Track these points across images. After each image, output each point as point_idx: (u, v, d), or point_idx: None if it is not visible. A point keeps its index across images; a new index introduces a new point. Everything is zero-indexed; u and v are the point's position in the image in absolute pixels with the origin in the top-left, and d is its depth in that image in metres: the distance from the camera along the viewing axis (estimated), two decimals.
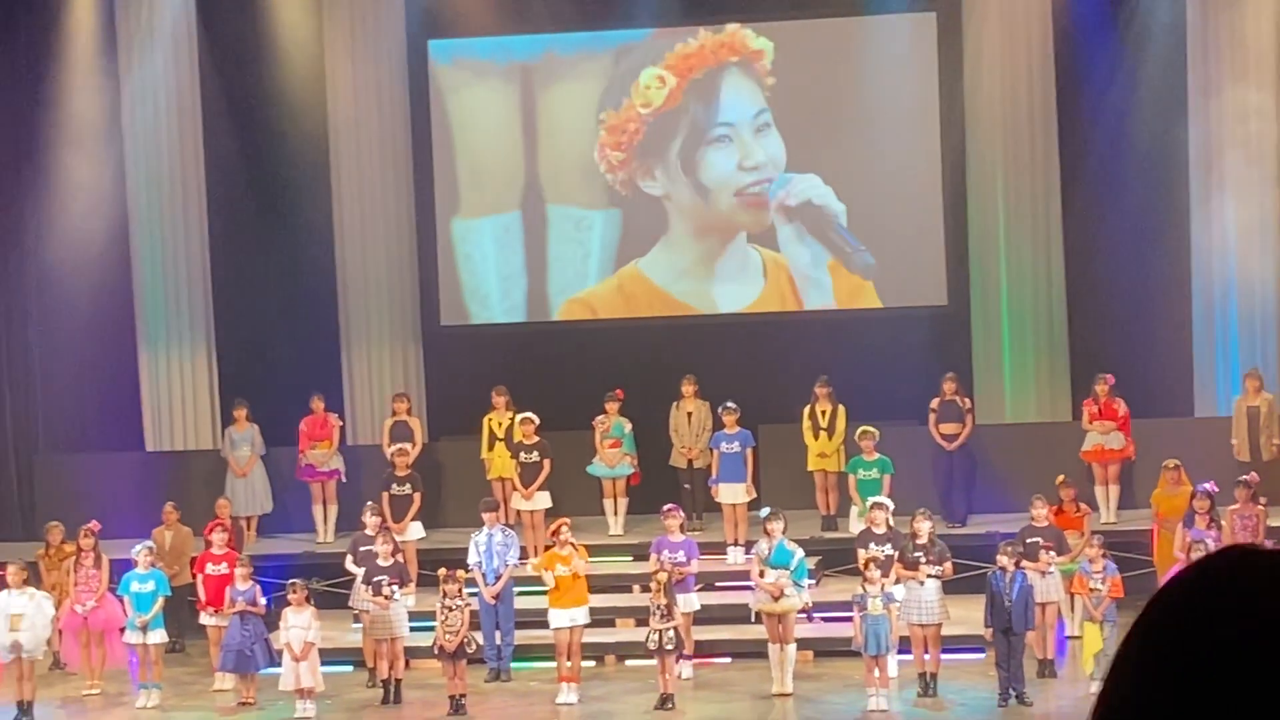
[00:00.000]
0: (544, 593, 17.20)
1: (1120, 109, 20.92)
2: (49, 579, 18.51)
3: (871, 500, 17.82)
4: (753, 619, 17.38)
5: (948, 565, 16.79)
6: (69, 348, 22.20)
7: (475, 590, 17.47)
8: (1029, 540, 16.97)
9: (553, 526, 17.44)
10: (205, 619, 17.89)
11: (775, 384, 20.90)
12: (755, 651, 17.36)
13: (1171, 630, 1.61)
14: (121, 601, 17.46)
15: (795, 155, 21.71)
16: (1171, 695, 1.58)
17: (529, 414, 19.73)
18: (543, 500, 19.56)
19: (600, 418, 20.20)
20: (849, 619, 16.70)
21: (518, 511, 19.68)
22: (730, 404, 19.54)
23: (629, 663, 17.92)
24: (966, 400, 20.10)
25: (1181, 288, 20.88)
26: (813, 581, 18.00)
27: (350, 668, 17.99)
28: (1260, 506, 17.75)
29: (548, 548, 17.56)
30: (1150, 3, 21.07)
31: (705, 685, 17.34)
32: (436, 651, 16.68)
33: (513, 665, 17.76)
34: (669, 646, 16.32)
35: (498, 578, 17.65)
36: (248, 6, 22.09)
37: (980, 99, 21.37)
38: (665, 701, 16.39)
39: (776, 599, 16.70)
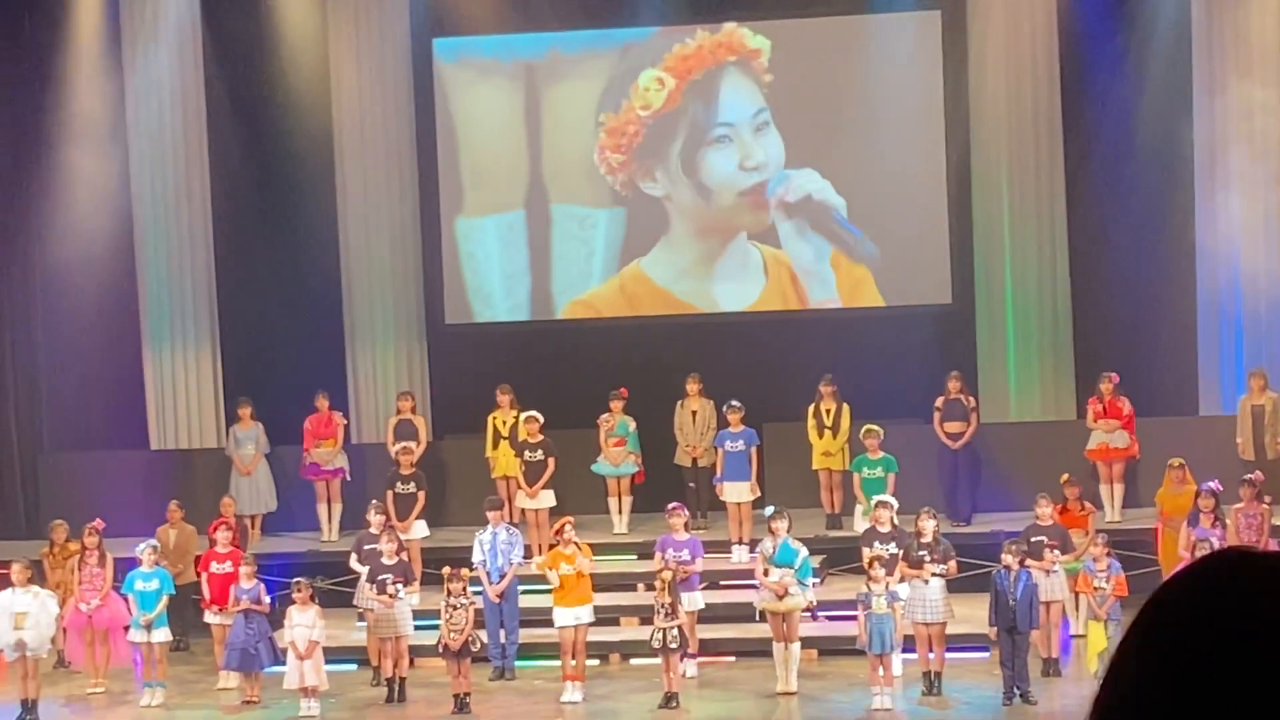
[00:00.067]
0: (548, 591, 17.19)
1: (1125, 106, 20.90)
2: (53, 577, 18.50)
3: (876, 499, 17.82)
4: (757, 618, 17.39)
5: (952, 564, 16.80)
6: (74, 346, 22.20)
7: (480, 589, 17.47)
8: (1034, 539, 16.97)
9: (557, 525, 17.43)
10: (210, 617, 17.87)
11: (780, 383, 20.88)
12: (760, 650, 17.35)
13: (1170, 630, 1.62)
14: (126, 600, 17.46)
15: (794, 153, 21.70)
16: (1170, 694, 1.58)
17: (533, 412, 19.73)
18: (547, 499, 19.56)
19: (605, 416, 20.20)
20: (853, 618, 16.69)
21: (522, 510, 19.67)
22: (735, 402, 19.54)
23: (633, 661, 17.90)
24: (971, 399, 20.09)
25: (1186, 285, 20.86)
26: (817, 580, 18.01)
27: (355, 666, 18.00)
28: (1265, 505, 17.74)
29: (552, 546, 17.54)
30: (1155, 0, 21.06)
31: (710, 684, 17.33)
32: (441, 650, 16.67)
33: (517, 664, 17.76)
34: (673, 645, 16.31)
35: (502, 576, 17.66)
36: (252, 4, 22.09)
37: (985, 97, 21.36)
38: (669, 700, 16.39)
39: (781, 598, 16.69)
